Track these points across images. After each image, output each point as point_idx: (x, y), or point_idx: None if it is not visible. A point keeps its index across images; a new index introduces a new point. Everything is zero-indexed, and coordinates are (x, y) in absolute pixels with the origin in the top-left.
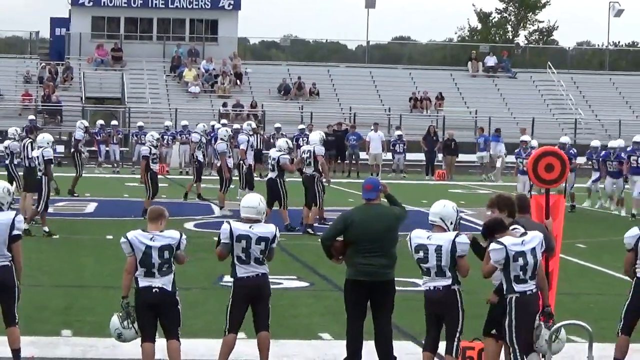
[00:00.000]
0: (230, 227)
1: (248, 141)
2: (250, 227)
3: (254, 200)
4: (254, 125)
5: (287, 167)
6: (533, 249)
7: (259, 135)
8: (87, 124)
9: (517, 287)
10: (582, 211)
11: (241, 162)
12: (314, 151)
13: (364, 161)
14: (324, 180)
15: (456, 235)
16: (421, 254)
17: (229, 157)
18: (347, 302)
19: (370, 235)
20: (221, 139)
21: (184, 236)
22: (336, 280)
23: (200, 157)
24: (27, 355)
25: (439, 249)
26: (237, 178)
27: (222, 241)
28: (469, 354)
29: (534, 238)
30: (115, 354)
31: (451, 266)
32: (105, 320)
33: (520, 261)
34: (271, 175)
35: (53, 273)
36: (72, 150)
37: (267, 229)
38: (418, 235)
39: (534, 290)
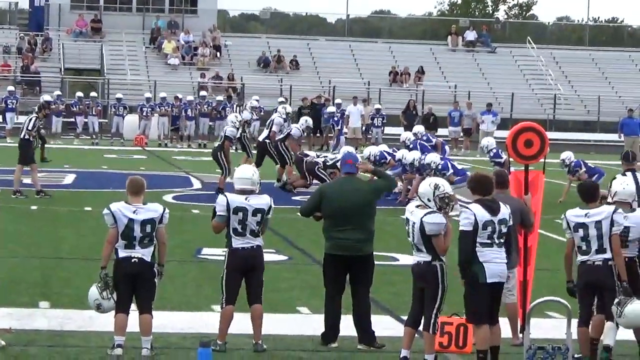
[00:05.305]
0: (227, 199)
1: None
2: (246, 199)
3: (247, 172)
4: (289, 109)
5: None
6: (598, 222)
7: (240, 107)
8: (289, 110)
9: (578, 257)
10: (560, 187)
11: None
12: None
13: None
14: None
15: (425, 214)
16: (406, 228)
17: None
18: (326, 277)
19: (345, 209)
20: (296, 127)
21: (166, 210)
22: (315, 254)
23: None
24: (5, 327)
25: (413, 225)
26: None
27: (218, 213)
28: (447, 329)
29: (602, 212)
30: (93, 326)
31: (425, 243)
32: (83, 293)
33: (581, 232)
34: None
35: (30, 245)
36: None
37: (263, 200)
38: (408, 208)
39: (595, 263)
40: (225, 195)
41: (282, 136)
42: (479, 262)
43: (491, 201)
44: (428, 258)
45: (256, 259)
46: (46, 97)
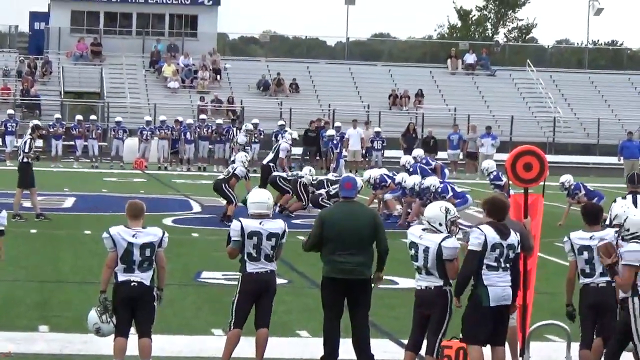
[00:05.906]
0: (242, 224)
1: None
2: (260, 224)
3: (263, 196)
4: (295, 134)
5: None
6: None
7: (239, 130)
8: (295, 136)
9: (581, 280)
10: (559, 210)
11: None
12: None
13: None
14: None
15: (443, 239)
16: (413, 251)
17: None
18: (324, 300)
19: (345, 233)
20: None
21: (166, 234)
22: (314, 278)
23: None
24: (4, 351)
25: (426, 250)
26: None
27: (232, 239)
28: (447, 352)
29: (607, 235)
30: (92, 350)
31: (439, 268)
32: (83, 316)
33: (585, 255)
34: None
35: (30, 268)
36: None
37: (277, 225)
38: (413, 232)
39: (599, 285)
40: (240, 220)
41: (286, 175)
42: (483, 285)
43: (503, 225)
44: (440, 283)
45: (269, 284)
46: (35, 122)
